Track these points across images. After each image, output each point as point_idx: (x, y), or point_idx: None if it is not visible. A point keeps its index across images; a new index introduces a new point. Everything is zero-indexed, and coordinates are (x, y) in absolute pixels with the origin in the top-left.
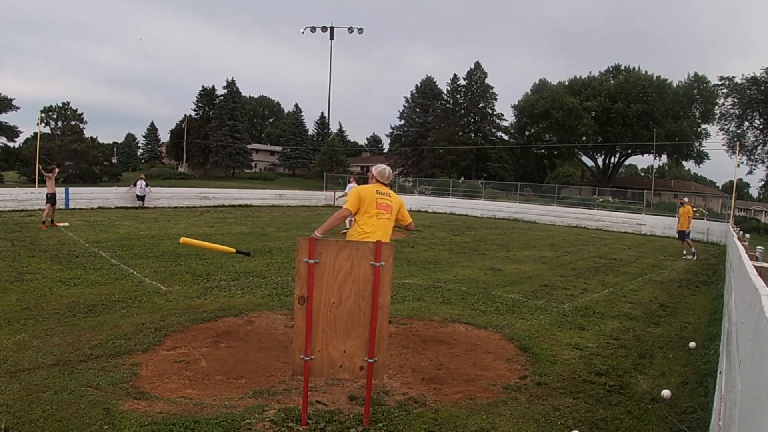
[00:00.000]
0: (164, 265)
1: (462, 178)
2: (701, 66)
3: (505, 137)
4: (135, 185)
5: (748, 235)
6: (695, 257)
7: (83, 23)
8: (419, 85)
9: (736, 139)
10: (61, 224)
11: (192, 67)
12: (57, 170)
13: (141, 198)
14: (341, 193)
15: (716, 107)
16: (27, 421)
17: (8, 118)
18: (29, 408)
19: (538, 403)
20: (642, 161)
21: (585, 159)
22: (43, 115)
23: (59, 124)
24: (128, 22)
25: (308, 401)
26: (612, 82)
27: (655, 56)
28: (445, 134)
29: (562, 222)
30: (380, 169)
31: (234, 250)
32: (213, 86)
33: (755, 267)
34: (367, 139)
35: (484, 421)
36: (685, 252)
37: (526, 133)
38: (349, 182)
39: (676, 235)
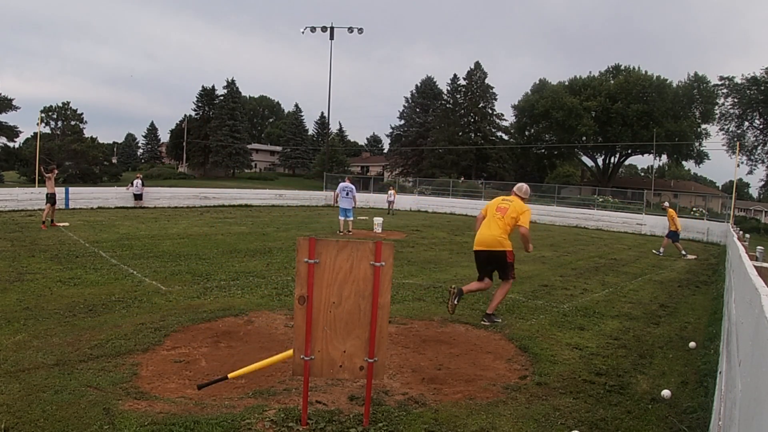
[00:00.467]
0: (164, 265)
1: (462, 178)
2: (701, 66)
3: (505, 137)
4: (132, 185)
5: (748, 235)
6: (661, 254)
7: (83, 23)
8: (419, 85)
9: (736, 139)
10: (61, 224)
11: (192, 67)
12: (56, 170)
13: (138, 197)
14: (336, 192)
15: (716, 107)
16: (27, 421)
17: (8, 118)
18: (29, 408)
19: (538, 403)
20: (642, 161)
21: (585, 159)
22: (43, 115)
23: (59, 124)
24: (128, 22)
25: (308, 401)
26: (612, 82)
27: (655, 56)
28: (445, 134)
29: (562, 222)
30: (519, 185)
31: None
32: (213, 86)
33: (755, 267)
34: (367, 139)
35: (484, 421)
36: (684, 252)
37: (526, 133)
38: (343, 181)
39: (674, 238)
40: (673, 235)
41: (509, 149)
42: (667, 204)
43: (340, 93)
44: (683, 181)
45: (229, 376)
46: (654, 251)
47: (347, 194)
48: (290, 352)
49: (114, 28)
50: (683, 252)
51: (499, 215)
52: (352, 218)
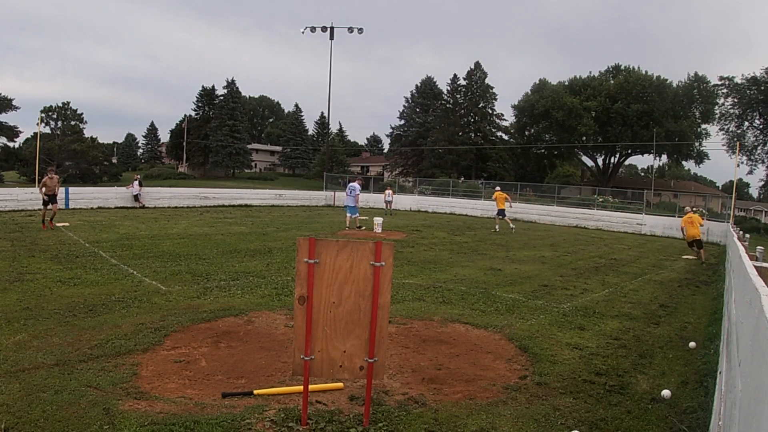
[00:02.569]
0: (164, 265)
1: (462, 178)
2: (701, 66)
3: (505, 137)
4: (133, 185)
5: (748, 235)
6: (497, 230)
7: (83, 23)
8: (419, 85)
9: (736, 139)
10: (61, 224)
11: (192, 67)
12: (51, 173)
13: (136, 197)
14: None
15: (716, 107)
16: (27, 421)
17: (8, 118)
18: (29, 408)
19: (538, 403)
20: (642, 161)
21: (585, 159)
22: (43, 115)
23: (59, 124)
24: (129, 22)
25: (308, 401)
26: (612, 82)
27: (655, 56)
28: (445, 134)
29: (562, 222)
30: (686, 209)
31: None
32: (213, 86)
33: (755, 267)
34: (367, 139)
35: (484, 421)
36: (498, 227)
37: (526, 133)
38: (352, 182)
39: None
40: (501, 212)
41: (509, 149)
42: (498, 188)
43: (340, 93)
44: (683, 181)
45: (255, 392)
46: (494, 229)
47: (350, 193)
48: (339, 384)
49: (114, 28)
50: (512, 226)
51: (691, 224)
52: (354, 215)
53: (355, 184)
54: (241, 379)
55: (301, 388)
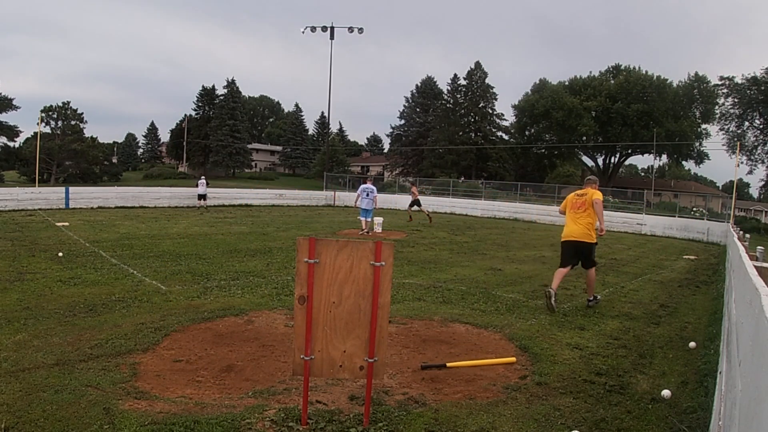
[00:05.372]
0: (164, 264)
1: (462, 178)
2: (702, 66)
3: (505, 137)
4: (198, 185)
5: (748, 235)
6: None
7: (84, 24)
8: (419, 85)
9: (736, 139)
10: (61, 224)
11: (192, 67)
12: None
13: (202, 197)
14: (357, 193)
15: (716, 107)
16: (27, 421)
17: (8, 118)
18: (29, 408)
19: (538, 403)
20: (642, 161)
21: (585, 159)
22: (43, 114)
23: (59, 123)
24: (129, 22)
25: (308, 401)
26: (612, 82)
27: (655, 56)
28: (446, 134)
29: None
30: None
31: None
32: (213, 86)
33: (755, 267)
34: (367, 138)
35: (484, 421)
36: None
37: (526, 133)
38: (364, 183)
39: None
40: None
41: (509, 149)
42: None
43: (340, 92)
44: (683, 181)
45: (448, 365)
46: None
47: (367, 195)
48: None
49: (115, 29)
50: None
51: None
52: (369, 219)
53: (371, 185)
54: (242, 379)
55: (484, 361)
